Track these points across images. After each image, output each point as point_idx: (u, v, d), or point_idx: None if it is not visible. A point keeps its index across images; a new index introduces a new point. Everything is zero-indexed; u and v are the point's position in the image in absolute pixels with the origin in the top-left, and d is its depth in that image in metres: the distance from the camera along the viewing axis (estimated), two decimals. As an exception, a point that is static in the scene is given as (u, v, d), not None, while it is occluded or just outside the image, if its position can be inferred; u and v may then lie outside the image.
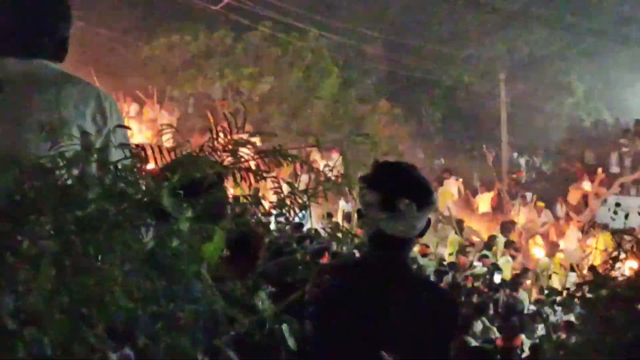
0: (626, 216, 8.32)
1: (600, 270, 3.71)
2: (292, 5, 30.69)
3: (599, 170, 29.73)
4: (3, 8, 3.40)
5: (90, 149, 2.25)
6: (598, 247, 21.80)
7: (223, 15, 30.47)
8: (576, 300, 3.78)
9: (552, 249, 24.44)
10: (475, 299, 15.26)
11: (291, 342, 2.67)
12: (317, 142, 16.71)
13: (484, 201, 28.14)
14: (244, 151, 2.77)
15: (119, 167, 2.16)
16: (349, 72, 32.67)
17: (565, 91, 36.40)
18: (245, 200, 2.88)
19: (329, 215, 21.89)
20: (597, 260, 19.95)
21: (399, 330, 3.18)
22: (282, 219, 15.34)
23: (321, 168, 3.46)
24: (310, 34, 31.24)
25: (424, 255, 19.85)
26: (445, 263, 19.67)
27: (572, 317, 12.22)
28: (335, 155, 26.00)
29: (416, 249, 19.09)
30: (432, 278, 15.69)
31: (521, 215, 26.41)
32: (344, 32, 32.46)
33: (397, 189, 3.47)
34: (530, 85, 35.12)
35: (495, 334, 13.02)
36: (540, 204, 27.39)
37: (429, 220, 3.57)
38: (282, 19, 30.65)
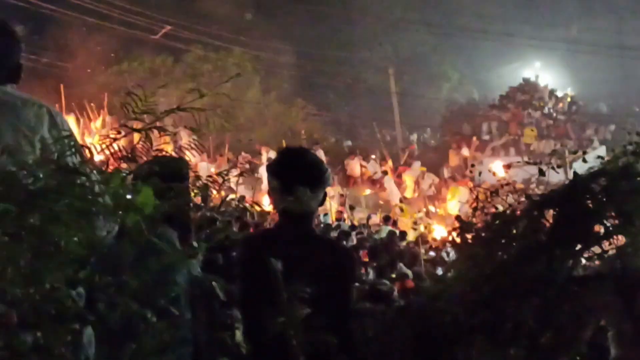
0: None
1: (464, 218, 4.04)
2: (218, 29, 34.87)
3: (474, 138, 33.99)
4: None
5: (49, 156, 2.34)
6: (454, 198, 26.20)
7: (162, 42, 34.49)
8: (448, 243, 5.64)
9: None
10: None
11: (221, 295, 3.24)
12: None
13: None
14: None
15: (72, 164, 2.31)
16: (268, 79, 36.73)
17: (443, 78, 41.57)
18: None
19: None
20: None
21: (308, 282, 3.10)
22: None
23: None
24: (235, 51, 35.83)
25: (339, 219, 21.65)
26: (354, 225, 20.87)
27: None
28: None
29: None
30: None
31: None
32: (262, 47, 36.66)
33: (293, 177, 3.79)
34: (414, 77, 39.53)
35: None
36: (422, 168, 30.09)
37: (325, 194, 3.93)
38: (210, 41, 34.96)
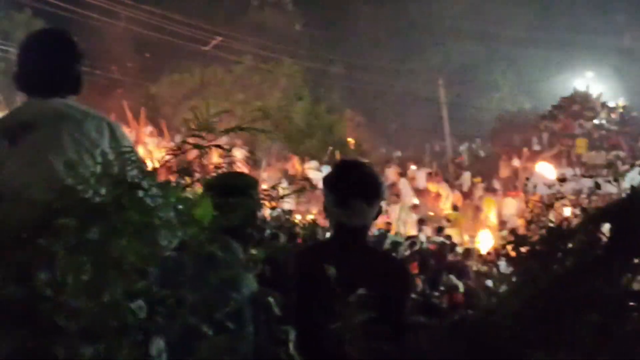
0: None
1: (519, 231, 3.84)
2: (268, 40, 34.98)
3: (524, 149, 32.97)
4: (24, 53, 3.65)
5: (109, 169, 2.32)
6: (490, 210, 25.64)
7: (213, 53, 34.78)
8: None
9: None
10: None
11: (277, 310, 3.14)
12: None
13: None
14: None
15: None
16: (318, 89, 36.67)
17: (493, 88, 41.33)
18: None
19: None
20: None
21: (371, 297, 3.14)
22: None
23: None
24: (285, 62, 35.69)
25: (388, 231, 20.40)
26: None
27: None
28: (309, 163, 29.37)
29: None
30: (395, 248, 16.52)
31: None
32: (311, 57, 36.79)
33: (350, 190, 3.77)
34: (464, 87, 39.37)
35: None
36: (477, 179, 30.09)
37: (380, 208, 3.92)
38: (260, 52, 35.08)
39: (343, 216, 3.81)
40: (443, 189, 28.75)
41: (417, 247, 17.83)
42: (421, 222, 22.33)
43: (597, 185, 4.32)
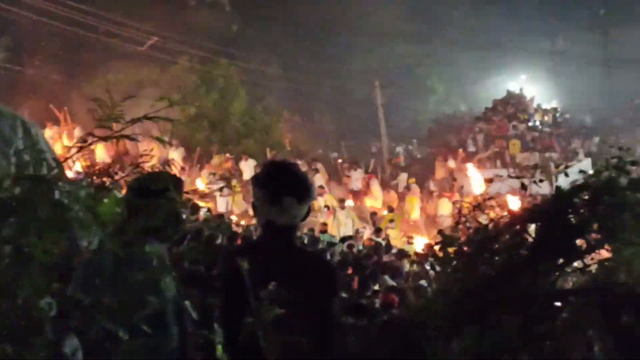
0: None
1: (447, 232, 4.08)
2: (204, 41, 34.89)
3: (460, 150, 33.60)
4: None
5: (23, 169, 2.32)
6: (440, 211, 26.18)
7: (148, 54, 34.42)
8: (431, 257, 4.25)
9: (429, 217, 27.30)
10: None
11: (194, 314, 3.15)
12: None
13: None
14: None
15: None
16: (254, 91, 36.49)
17: (429, 91, 41.76)
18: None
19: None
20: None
21: (293, 294, 3.23)
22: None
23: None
24: (221, 62, 35.45)
25: (324, 232, 20.90)
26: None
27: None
28: (245, 162, 29.25)
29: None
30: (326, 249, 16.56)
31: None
32: (248, 58, 36.67)
33: (280, 188, 3.76)
34: (401, 89, 39.48)
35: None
36: (411, 180, 30.11)
37: (309, 208, 3.92)
38: (197, 53, 34.88)
39: (273, 214, 3.79)
40: (377, 189, 29.06)
41: (354, 249, 17.91)
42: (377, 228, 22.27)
43: (524, 187, 4.44)
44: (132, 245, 2.45)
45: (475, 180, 28.87)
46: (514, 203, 23.75)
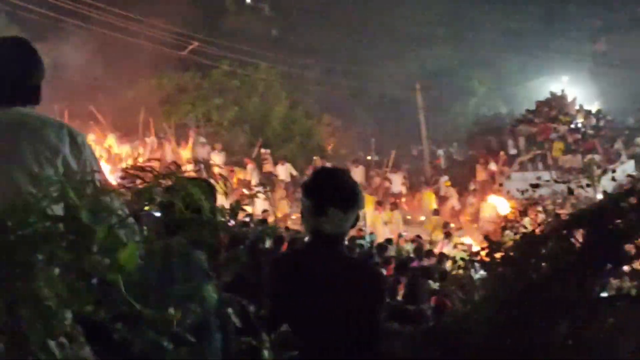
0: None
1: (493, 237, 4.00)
2: (245, 45, 34.71)
3: (501, 153, 33.49)
4: None
5: (71, 181, 2.25)
6: (482, 214, 26.10)
7: (190, 58, 34.87)
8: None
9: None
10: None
11: (236, 321, 3.00)
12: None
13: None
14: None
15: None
16: (295, 94, 36.80)
17: (469, 93, 41.60)
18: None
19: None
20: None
21: (338, 302, 3.42)
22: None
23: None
24: (262, 66, 35.90)
25: (361, 237, 20.63)
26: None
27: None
28: (282, 166, 29.83)
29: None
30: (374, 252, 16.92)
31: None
32: (289, 62, 36.64)
33: (327, 198, 3.75)
34: (441, 91, 39.32)
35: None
36: (447, 183, 30.65)
37: (358, 215, 3.88)
38: (238, 57, 34.95)
39: (319, 223, 3.77)
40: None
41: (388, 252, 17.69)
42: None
43: (571, 191, 4.43)
44: (173, 255, 2.43)
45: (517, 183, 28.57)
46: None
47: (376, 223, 24.89)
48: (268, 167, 30.53)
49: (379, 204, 25.85)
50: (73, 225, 2.13)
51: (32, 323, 1.96)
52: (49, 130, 3.41)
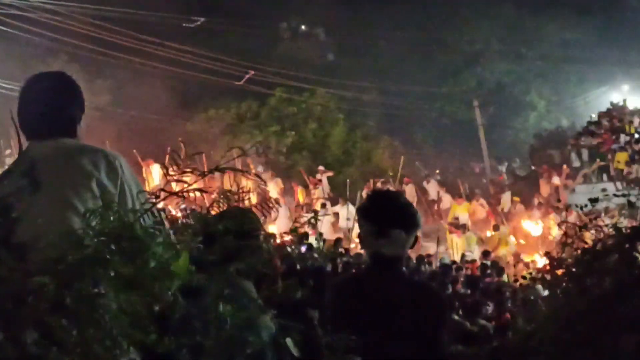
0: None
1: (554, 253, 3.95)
2: (300, 72, 35.25)
3: (564, 166, 32.93)
4: (23, 96, 3.60)
5: (110, 208, 2.29)
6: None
7: (247, 87, 34.95)
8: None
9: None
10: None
11: (295, 351, 2.94)
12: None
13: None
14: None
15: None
16: (353, 117, 36.83)
17: (529, 107, 41.06)
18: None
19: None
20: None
21: (402, 324, 3.46)
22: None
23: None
24: (318, 92, 36.05)
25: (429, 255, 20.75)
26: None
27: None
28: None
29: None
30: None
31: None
32: (345, 86, 36.81)
33: (388, 221, 3.76)
34: (500, 107, 39.39)
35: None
36: (516, 198, 30.01)
37: (417, 237, 3.91)
38: (293, 84, 35.36)
39: (381, 246, 3.79)
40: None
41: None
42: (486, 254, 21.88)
43: (631, 204, 4.32)
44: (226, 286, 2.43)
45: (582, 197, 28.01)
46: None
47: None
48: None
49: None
50: (127, 241, 2.17)
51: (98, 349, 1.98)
52: (84, 155, 3.45)
